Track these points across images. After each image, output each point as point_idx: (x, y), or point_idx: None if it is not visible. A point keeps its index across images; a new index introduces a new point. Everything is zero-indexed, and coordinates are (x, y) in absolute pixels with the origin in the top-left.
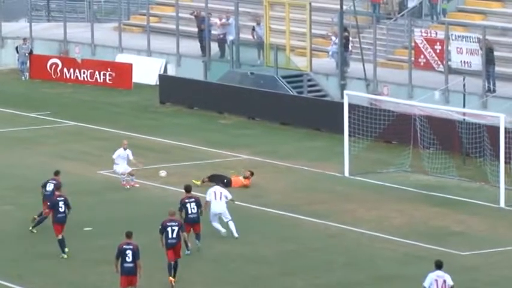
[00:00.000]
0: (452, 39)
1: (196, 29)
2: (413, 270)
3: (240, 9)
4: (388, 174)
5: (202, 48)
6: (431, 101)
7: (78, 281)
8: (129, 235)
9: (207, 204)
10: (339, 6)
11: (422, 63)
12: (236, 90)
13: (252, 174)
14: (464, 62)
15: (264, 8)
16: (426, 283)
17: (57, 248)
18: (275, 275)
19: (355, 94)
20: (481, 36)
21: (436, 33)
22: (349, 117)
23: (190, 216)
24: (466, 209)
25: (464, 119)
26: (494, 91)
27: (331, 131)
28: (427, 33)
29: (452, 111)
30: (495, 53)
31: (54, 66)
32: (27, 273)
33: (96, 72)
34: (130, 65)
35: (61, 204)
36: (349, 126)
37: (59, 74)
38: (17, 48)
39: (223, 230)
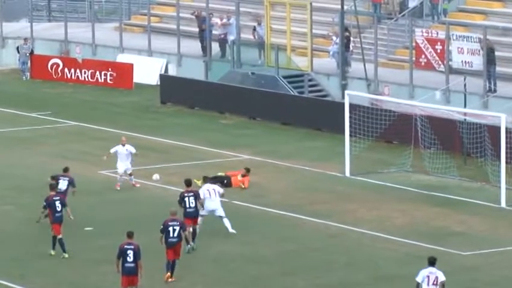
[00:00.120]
0: (453, 39)
1: (197, 29)
2: (414, 270)
3: (241, 9)
4: (389, 174)
5: (203, 48)
6: (432, 101)
7: (79, 281)
8: (130, 235)
9: (200, 203)
10: (339, 6)
11: (423, 63)
12: (237, 90)
13: (248, 170)
14: (465, 62)
15: (265, 8)
16: (419, 279)
17: (59, 248)
18: (275, 275)
19: (356, 94)
20: (481, 36)
21: (437, 33)
22: (350, 117)
23: (188, 210)
24: (467, 209)
25: (465, 119)
26: (495, 91)
27: (332, 131)
28: (428, 33)
29: (453, 111)
30: (496, 53)
31: (55, 66)
32: (29, 273)
33: (97, 72)
34: (131, 65)
35: (57, 203)
36: (350, 126)
37: (59, 74)
38: (18, 48)
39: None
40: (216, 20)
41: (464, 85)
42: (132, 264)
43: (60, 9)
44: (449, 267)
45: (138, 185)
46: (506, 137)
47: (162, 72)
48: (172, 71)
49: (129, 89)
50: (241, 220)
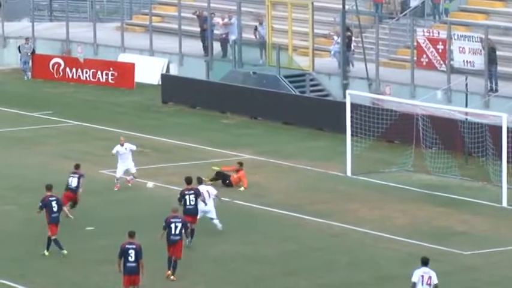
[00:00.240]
0: (455, 39)
1: (198, 29)
2: None
3: (243, 8)
4: (391, 173)
5: (205, 48)
6: (433, 101)
7: (81, 281)
8: (131, 235)
9: (201, 199)
10: (341, 6)
11: (424, 63)
12: (238, 89)
13: (241, 165)
14: (466, 61)
15: (267, 8)
16: (414, 279)
17: (53, 249)
18: (277, 275)
19: (357, 94)
20: (483, 36)
21: (439, 33)
22: (352, 116)
23: (188, 207)
24: (468, 208)
25: (466, 119)
26: (496, 91)
27: (334, 130)
28: (429, 32)
29: (454, 110)
30: (497, 53)
31: (56, 65)
32: (30, 273)
33: (99, 72)
34: (133, 65)
35: (54, 204)
36: (352, 126)
37: (61, 74)
38: (19, 47)
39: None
40: (217, 20)
41: (466, 85)
42: (134, 264)
43: (62, 8)
44: (451, 266)
45: (130, 184)
46: (508, 137)
47: (164, 71)
48: (173, 71)
49: (131, 89)
50: (243, 220)
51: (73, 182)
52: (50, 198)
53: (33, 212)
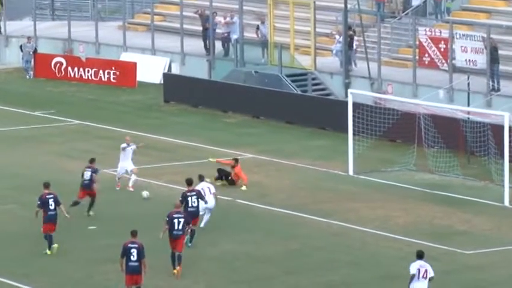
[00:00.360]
0: (457, 38)
1: (200, 28)
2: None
3: (245, 7)
4: (393, 173)
5: (206, 47)
6: (435, 100)
7: (84, 280)
8: (134, 234)
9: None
10: (343, 5)
11: (426, 62)
12: (240, 89)
13: (236, 161)
14: (468, 60)
15: (269, 7)
16: (412, 271)
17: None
18: (279, 274)
19: (359, 93)
20: (485, 35)
21: (441, 32)
22: (354, 116)
23: (190, 209)
24: (470, 207)
25: (468, 118)
26: (498, 90)
27: (336, 129)
28: (431, 32)
29: (456, 109)
30: (499, 52)
31: (58, 64)
32: (33, 272)
33: (101, 71)
34: (135, 64)
35: (51, 202)
36: (354, 125)
37: (63, 73)
38: (21, 46)
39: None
40: (219, 19)
41: (468, 84)
42: (136, 263)
43: (64, 7)
44: (452, 266)
45: (132, 189)
46: (510, 136)
47: (166, 71)
48: (175, 70)
49: (133, 88)
50: (245, 219)
51: (86, 175)
52: (47, 196)
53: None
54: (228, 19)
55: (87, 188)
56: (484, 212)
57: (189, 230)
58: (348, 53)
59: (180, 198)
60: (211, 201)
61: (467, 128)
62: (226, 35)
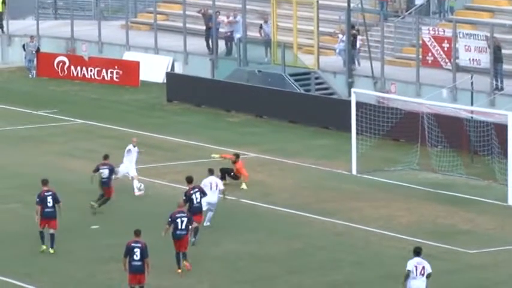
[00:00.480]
0: (460, 37)
1: (203, 27)
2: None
3: (248, 7)
4: (396, 172)
5: (208, 46)
6: (439, 99)
7: (86, 279)
8: (137, 233)
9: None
10: (346, 4)
11: (430, 61)
12: (243, 88)
13: (237, 156)
14: (472, 59)
15: (272, 6)
16: (408, 268)
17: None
18: (282, 273)
19: (362, 92)
20: (488, 34)
21: (444, 31)
22: (357, 115)
23: (195, 206)
24: (474, 207)
25: (472, 117)
26: (502, 89)
27: (339, 129)
28: (434, 31)
29: (460, 109)
30: (503, 51)
31: (61, 64)
32: (35, 272)
33: (104, 70)
34: (138, 63)
35: (49, 199)
36: (357, 124)
37: (66, 72)
38: (24, 46)
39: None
40: (222, 18)
41: (471, 83)
42: (139, 263)
43: (67, 6)
44: (456, 265)
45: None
46: None
47: (169, 70)
48: (178, 69)
49: (136, 87)
50: (248, 218)
51: (104, 173)
52: (46, 193)
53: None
54: (231, 18)
55: (106, 185)
56: (487, 211)
57: (193, 227)
58: (351, 52)
59: (184, 198)
60: (214, 197)
61: (471, 127)
62: (229, 34)
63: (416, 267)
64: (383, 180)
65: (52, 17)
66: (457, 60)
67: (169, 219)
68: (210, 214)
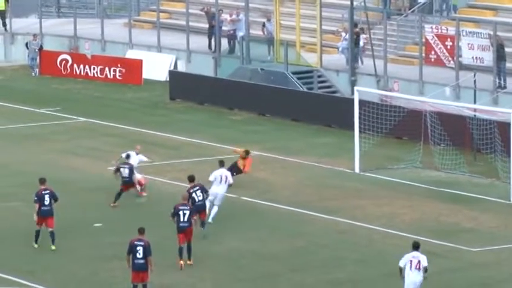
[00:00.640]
0: (463, 35)
1: (206, 25)
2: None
3: (250, 5)
4: (399, 170)
5: (210, 46)
6: (442, 97)
7: (89, 277)
8: (141, 231)
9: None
10: (349, 2)
11: (433, 59)
12: (246, 86)
13: (247, 153)
14: (475, 58)
15: (274, 4)
16: (401, 263)
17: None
18: (285, 271)
19: (365, 90)
20: (491, 32)
21: (447, 29)
22: (360, 113)
23: (197, 203)
24: (477, 205)
25: (475, 115)
26: (505, 87)
27: (342, 127)
28: (437, 29)
29: (463, 107)
30: (506, 49)
31: (64, 62)
32: (38, 270)
33: (106, 68)
34: (141, 61)
35: (47, 197)
36: (360, 123)
37: (69, 70)
38: (27, 44)
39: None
40: (225, 16)
41: (474, 81)
42: (142, 261)
43: (70, 5)
44: (459, 263)
45: (144, 194)
46: None
47: (171, 68)
48: (181, 67)
49: (138, 85)
50: (251, 216)
51: (124, 172)
52: (43, 192)
53: None
54: (234, 16)
55: (129, 183)
56: (490, 210)
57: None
58: (354, 50)
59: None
60: (221, 189)
61: (474, 126)
62: (232, 32)
63: (411, 261)
64: (386, 178)
65: (55, 15)
66: (460, 59)
67: (173, 211)
68: (215, 210)
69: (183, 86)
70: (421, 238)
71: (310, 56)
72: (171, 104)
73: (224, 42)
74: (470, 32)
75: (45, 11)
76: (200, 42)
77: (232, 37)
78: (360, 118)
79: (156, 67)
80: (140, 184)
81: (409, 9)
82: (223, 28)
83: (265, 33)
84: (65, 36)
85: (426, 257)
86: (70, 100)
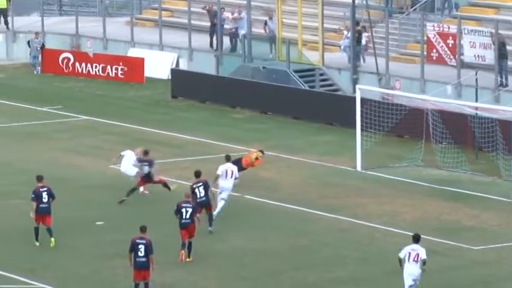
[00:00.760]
0: (465, 34)
1: (208, 24)
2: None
3: (252, 3)
4: (401, 168)
5: (211, 44)
6: (443, 95)
7: (91, 275)
8: (143, 229)
9: (216, 179)
10: (351, 0)
11: (434, 58)
12: (248, 84)
13: (262, 153)
14: (477, 56)
15: (276, 2)
16: (401, 254)
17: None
18: (288, 270)
19: (367, 88)
20: (493, 31)
21: (449, 28)
22: (362, 111)
23: (199, 200)
24: (478, 203)
25: (476, 113)
26: (506, 85)
27: (344, 125)
28: (439, 27)
29: (464, 105)
30: (508, 47)
31: (66, 60)
32: (39, 268)
33: (108, 67)
34: (143, 59)
35: (44, 195)
36: (362, 121)
37: (70, 68)
38: (29, 42)
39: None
40: (227, 14)
41: (476, 79)
42: (144, 259)
43: (71, 3)
44: (460, 261)
45: (146, 192)
46: None
47: (173, 66)
48: (183, 66)
49: (140, 83)
50: (253, 214)
51: (145, 169)
52: (41, 189)
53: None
54: (235, 15)
55: (148, 178)
56: (492, 208)
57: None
58: (356, 48)
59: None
60: (228, 184)
61: (475, 124)
62: (234, 30)
63: (410, 253)
64: (387, 177)
65: (57, 13)
66: (461, 57)
67: (176, 208)
68: (223, 204)
69: (185, 84)
70: (423, 236)
71: (312, 54)
72: (173, 102)
73: (226, 40)
74: (472, 30)
75: (47, 9)
76: (202, 40)
77: (234, 35)
78: (361, 116)
79: (158, 65)
80: (161, 182)
81: (411, 8)
82: (225, 26)
83: (267, 31)
84: (66, 34)
85: (425, 250)
86: (72, 98)
